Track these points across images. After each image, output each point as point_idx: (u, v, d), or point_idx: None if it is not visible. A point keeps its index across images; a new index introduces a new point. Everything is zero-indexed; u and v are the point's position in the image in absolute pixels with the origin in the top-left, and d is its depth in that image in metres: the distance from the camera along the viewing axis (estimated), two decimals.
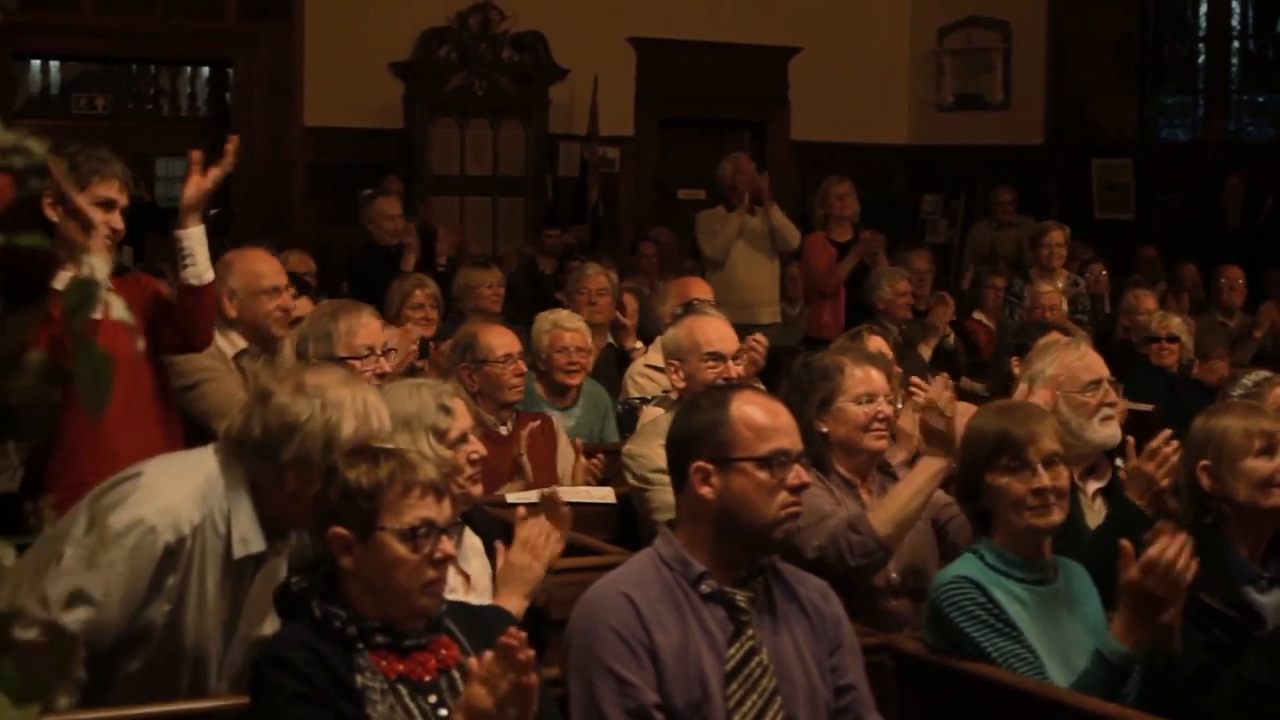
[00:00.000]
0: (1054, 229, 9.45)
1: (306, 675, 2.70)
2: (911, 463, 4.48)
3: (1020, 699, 3.31)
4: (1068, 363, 4.39)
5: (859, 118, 13.54)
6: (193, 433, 4.31)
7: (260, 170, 11.85)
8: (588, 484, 5.11)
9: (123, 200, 4.08)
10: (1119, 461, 4.35)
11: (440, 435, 3.55)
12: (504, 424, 5.29)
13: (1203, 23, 13.72)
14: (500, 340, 5.34)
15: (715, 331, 5.02)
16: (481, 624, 2.91)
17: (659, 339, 5.97)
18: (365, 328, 4.85)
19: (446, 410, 3.57)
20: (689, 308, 6.18)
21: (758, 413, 3.06)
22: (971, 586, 3.41)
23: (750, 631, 3.01)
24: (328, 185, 11.84)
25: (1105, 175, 13.30)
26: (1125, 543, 3.27)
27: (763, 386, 4.61)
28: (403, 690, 2.77)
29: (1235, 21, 13.61)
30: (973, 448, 3.57)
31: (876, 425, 4.09)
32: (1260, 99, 13.72)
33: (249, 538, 3.12)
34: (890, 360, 4.86)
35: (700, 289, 7.01)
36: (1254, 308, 9.81)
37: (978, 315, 9.52)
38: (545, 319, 6.11)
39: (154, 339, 4.21)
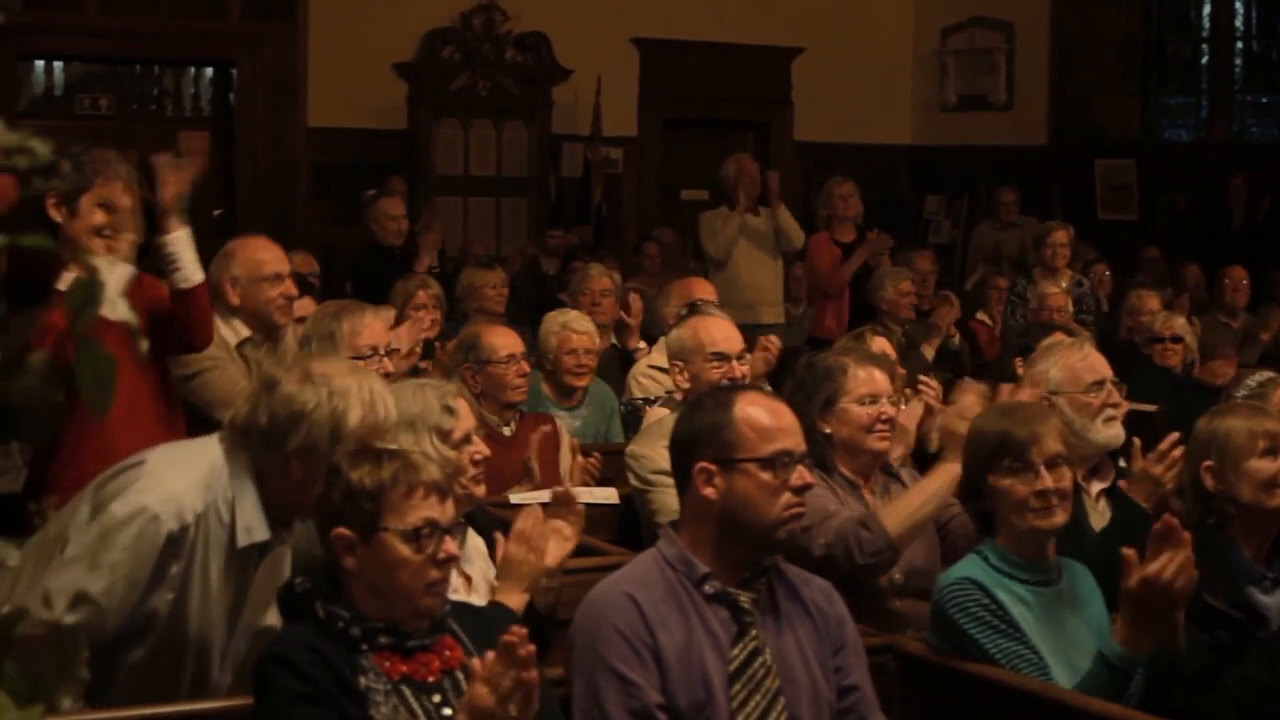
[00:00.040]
0: (1058, 229, 9.40)
1: (310, 676, 2.70)
2: (911, 461, 4.49)
3: (1024, 700, 3.31)
4: (1071, 363, 4.38)
5: (862, 118, 13.53)
6: (195, 426, 4.31)
7: (264, 171, 11.85)
8: (585, 483, 5.11)
9: (125, 202, 4.08)
10: (1122, 462, 4.35)
11: (444, 436, 3.55)
12: (507, 425, 5.29)
13: (1206, 23, 13.70)
14: (503, 341, 5.34)
15: (719, 332, 5.01)
16: (483, 624, 2.91)
17: (662, 339, 5.96)
18: (368, 328, 4.85)
19: (450, 411, 3.57)
20: (693, 308, 6.16)
21: (761, 413, 3.06)
22: (975, 588, 3.41)
23: (754, 632, 3.00)
24: (331, 186, 11.83)
25: (1108, 176, 13.28)
26: (1125, 550, 3.25)
27: (770, 387, 4.62)
28: (406, 691, 2.77)
29: (1239, 22, 13.60)
30: (975, 449, 3.57)
31: (879, 426, 4.08)
32: (1264, 100, 13.70)
33: (253, 526, 3.12)
34: (893, 361, 4.86)
35: (704, 289, 6.99)
36: (1257, 308, 9.80)
37: (980, 315, 9.51)
38: (554, 320, 6.09)
39: (156, 340, 4.21)
